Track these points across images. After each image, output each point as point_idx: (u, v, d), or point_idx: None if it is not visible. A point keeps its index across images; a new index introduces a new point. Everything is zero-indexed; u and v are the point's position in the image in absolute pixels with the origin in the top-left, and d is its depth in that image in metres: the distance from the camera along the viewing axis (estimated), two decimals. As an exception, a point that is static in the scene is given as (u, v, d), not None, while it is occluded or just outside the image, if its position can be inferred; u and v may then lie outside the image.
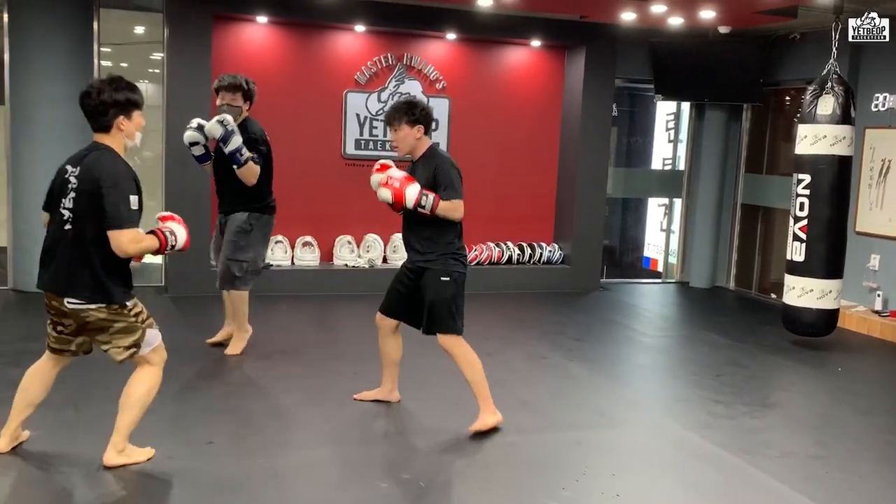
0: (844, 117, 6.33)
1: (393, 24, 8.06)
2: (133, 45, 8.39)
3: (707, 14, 7.00)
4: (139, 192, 3.63)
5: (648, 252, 10.52)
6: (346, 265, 8.11)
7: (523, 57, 8.81)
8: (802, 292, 6.52)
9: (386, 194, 4.26)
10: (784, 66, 8.50)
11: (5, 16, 7.16)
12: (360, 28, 8.08)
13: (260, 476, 3.79)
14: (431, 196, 4.24)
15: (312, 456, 4.09)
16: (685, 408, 5.14)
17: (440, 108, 8.48)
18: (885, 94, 7.37)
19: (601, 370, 5.91)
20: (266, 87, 7.96)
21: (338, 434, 4.41)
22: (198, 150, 5.69)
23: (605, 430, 4.70)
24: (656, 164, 10.18)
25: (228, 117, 5.40)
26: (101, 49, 7.63)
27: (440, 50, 8.50)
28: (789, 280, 6.66)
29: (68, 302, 3.58)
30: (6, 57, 7.20)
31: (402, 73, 8.34)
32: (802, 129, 6.52)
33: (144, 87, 8.71)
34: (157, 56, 8.10)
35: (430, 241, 4.39)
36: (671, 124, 9.89)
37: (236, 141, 5.35)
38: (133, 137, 3.70)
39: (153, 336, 3.76)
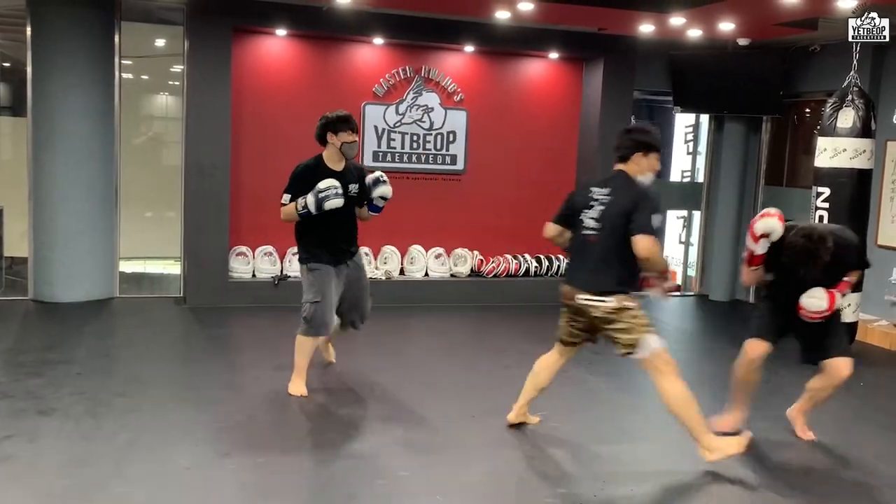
0: (865, 130, 6.29)
1: (411, 37, 8.09)
2: (154, 58, 8.47)
3: (726, 26, 6.97)
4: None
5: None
6: (364, 277, 8.11)
7: (541, 69, 8.81)
8: (823, 306, 6.44)
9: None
10: (804, 78, 8.45)
11: (28, 29, 7.25)
12: (378, 41, 8.12)
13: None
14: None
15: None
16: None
17: (458, 121, 8.49)
18: (906, 107, 7.31)
19: (621, 384, 5.87)
20: (285, 99, 8.04)
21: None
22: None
23: (624, 444, 4.67)
24: (675, 176, 10.13)
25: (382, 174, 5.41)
26: (122, 62, 7.71)
27: (458, 62, 8.52)
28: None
29: (580, 296, 4.26)
30: (28, 70, 7.29)
31: (421, 86, 8.37)
32: (822, 142, 6.47)
33: (164, 99, 8.82)
34: (178, 69, 8.17)
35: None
36: (690, 136, 9.85)
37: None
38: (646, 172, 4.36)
39: (654, 340, 4.21)
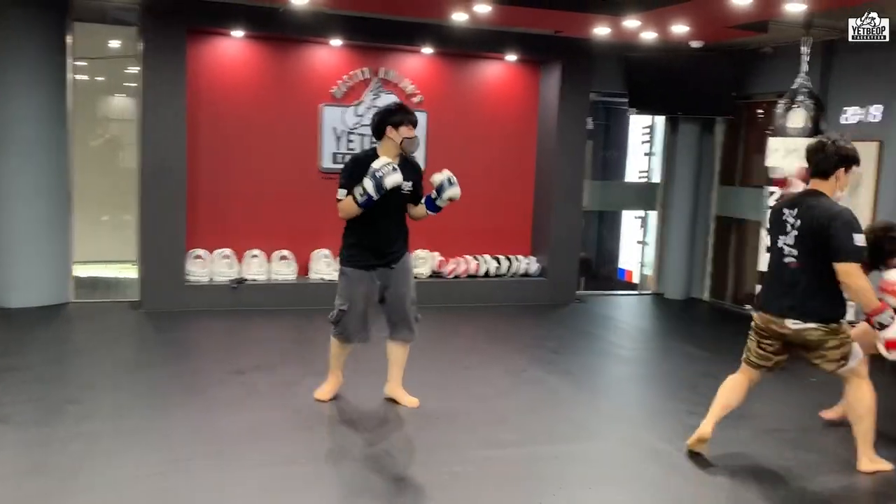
0: (815, 130, 6.43)
1: (369, 39, 8.08)
2: (108, 60, 8.35)
3: (679, 29, 7.08)
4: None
5: (624, 264, 10.60)
6: (323, 279, 8.09)
7: (499, 71, 8.87)
8: (776, 303, 6.58)
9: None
10: (756, 79, 8.62)
11: (-24, 30, 7.10)
12: (335, 42, 8.10)
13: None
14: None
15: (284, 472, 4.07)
16: (661, 420, 5.17)
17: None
18: (853, 108, 7.49)
19: (579, 383, 5.94)
20: (241, 101, 7.98)
21: (310, 451, 4.39)
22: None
23: (582, 443, 4.72)
24: (632, 176, 10.26)
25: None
26: (76, 63, 7.58)
27: (417, 64, 8.53)
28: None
29: (790, 322, 4.17)
30: (-22, 71, 7.14)
31: (379, 87, 8.36)
32: (773, 143, 6.62)
33: (120, 101, 8.70)
34: (133, 70, 8.06)
35: None
36: (646, 137, 9.99)
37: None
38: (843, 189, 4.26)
39: (857, 350, 4.24)
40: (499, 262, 8.83)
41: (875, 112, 7.33)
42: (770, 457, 4.61)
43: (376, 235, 4.84)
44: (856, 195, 7.49)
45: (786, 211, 4.19)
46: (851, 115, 7.50)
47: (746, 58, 8.61)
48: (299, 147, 8.16)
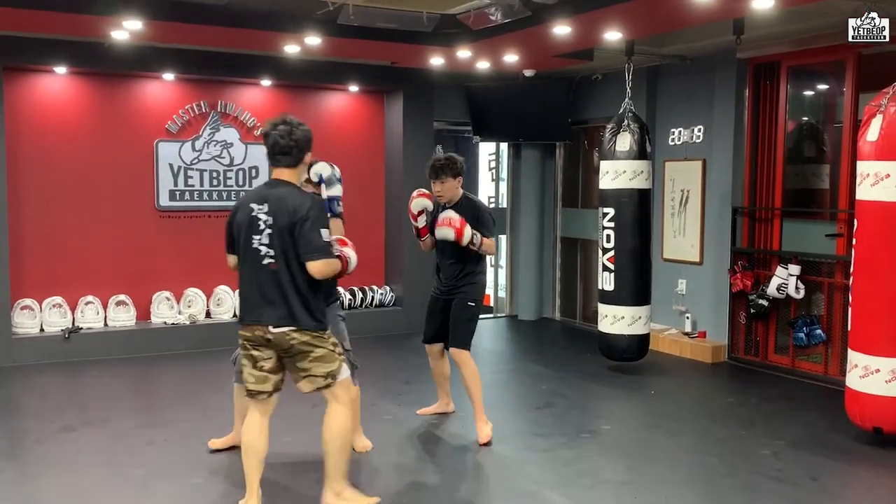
0: (641, 152, 6.72)
1: (203, 72, 7.86)
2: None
3: (511, 58, 7.27)
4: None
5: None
6: (166, 322, 7.74)
7: (344, 101, 8.83)
8: (615, 319, 6.82)
9: (448, 232, 5.00)
10: (589, 105, 8.96)
11: None
12: (168, 76, 7.83)
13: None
14: (479, 235, 5.08)
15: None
16: (506, 445, 5.20)
17: (259, 156, 8.31)
18: (679, 129, 7.89)
19: (426, 416, 5.90)
20: (69, 140, 7.58)
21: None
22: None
23: (427, 477, 4.67)
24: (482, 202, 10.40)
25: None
26: None
27: (256, 96, 8.37)
28: (602, 308, 6.96)
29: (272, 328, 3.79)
30: None
31: (217, 121, 8.14)
32: (604, 166, 6.87)
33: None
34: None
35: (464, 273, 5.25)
36: (493, 164, 10.18)
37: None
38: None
39: (346, 370, 3.95)
40: (353, 294, 8.74)
41: (698, 132, 7.75)
42: (607, 472, 4.70)
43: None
44: (684, 209, 7.89)
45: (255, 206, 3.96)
46: (678, 136, 7.91)
47: (580, 84, 8.94)
48: (134, 185, 7.81)
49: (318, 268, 3.76)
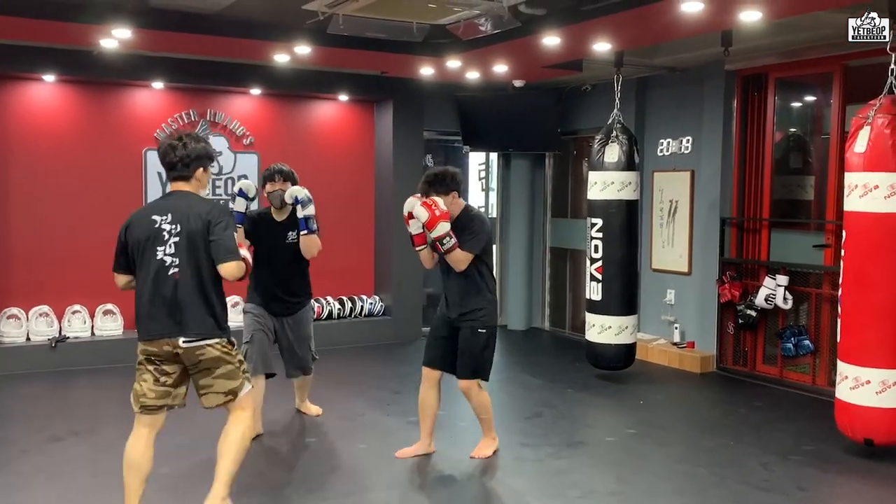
0: (629, 164, 6.75)
1: (192, 81, 7.85)
2: None
3: (500, 69, 7.29)
4: None
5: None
6: (154, 332, 7.70)
7: (333, 111, 8.83)
8: (602, 329, 6.84)
9: (422, 213, 4.56)
10: (579, 116, 9.00)
11: None
12: (157, 85, 7.82)
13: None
14: (454, 240, 4.63)
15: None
16: (495, 455, 5.18)
17: (248, 164, 8.33)
18: (667, 140, 7.94)
19: (416, 424, 5.87)
20: (58, 148, 7.56)
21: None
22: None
23: (414, 488, 4.66)
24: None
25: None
26: None
27: (246, 105, 8.36)
28: (590, 318, 6.98)
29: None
30: None
31: (206, 130, 8.13)
32: (592, 176, 6.89)
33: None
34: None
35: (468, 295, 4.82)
36: (482, 174, 10.20)
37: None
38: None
39: (247, 385, 3.90)
40: (342, 304, 8.72)
41: (686, 143, 7.80)
42: (596, 483, 4.69)
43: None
44: (673, 220, 7.92)
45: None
46: (667, 147, 7.95)
47: (569, 95, 8.97)
48: (122, 194, 7.77)
49: (231, 269, 3.74)
